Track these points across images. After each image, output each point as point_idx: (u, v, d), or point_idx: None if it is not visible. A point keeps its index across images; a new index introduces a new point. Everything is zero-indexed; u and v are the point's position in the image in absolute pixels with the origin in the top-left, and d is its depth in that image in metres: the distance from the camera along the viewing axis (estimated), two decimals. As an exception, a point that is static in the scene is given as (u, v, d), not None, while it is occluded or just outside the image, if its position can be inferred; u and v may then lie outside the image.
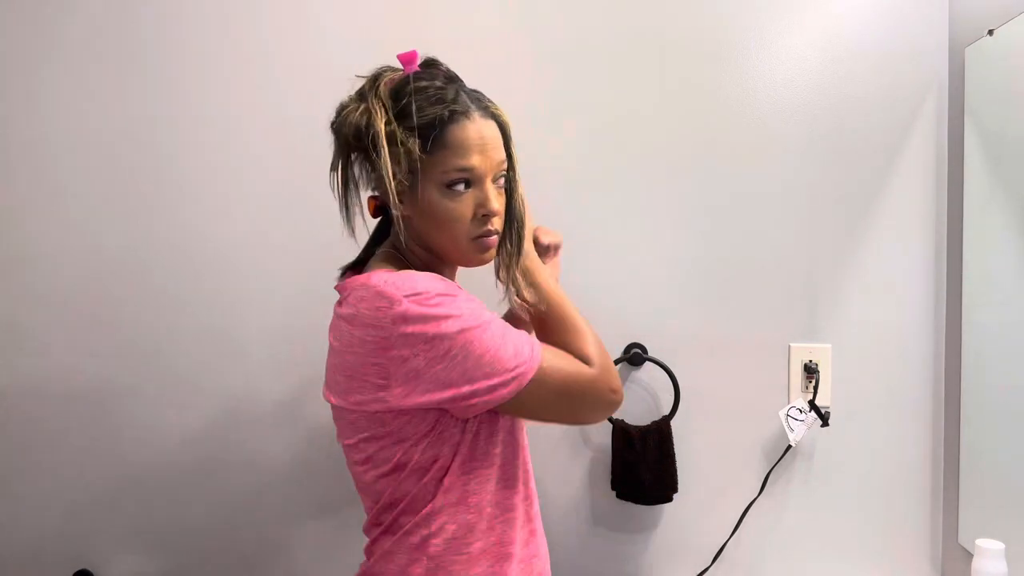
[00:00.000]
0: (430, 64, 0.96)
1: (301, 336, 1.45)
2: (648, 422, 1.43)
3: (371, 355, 0.87)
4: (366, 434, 0.93)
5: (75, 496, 1.46)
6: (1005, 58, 1.26)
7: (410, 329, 0.85)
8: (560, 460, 1.48)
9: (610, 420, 1.43)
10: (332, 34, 1.44)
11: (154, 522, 1.47)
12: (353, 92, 0.95)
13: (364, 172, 0.96)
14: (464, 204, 0.93)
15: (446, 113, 0.90)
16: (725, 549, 1.45)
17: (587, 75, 1.45)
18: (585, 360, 0.96)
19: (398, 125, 0.90)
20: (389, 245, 1.01)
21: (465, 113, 0.91)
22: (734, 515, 1.45)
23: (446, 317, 0.86)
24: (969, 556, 1.30)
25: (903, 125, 1.44)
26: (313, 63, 1.44)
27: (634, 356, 1.45)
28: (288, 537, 1.48)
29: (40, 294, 1.45)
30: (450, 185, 0.91)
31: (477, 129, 0.92)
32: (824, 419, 1.42)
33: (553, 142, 1.44)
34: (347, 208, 0.97)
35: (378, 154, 0.88)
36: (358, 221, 0.98)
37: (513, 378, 0.88)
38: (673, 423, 1.43)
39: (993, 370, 1.31)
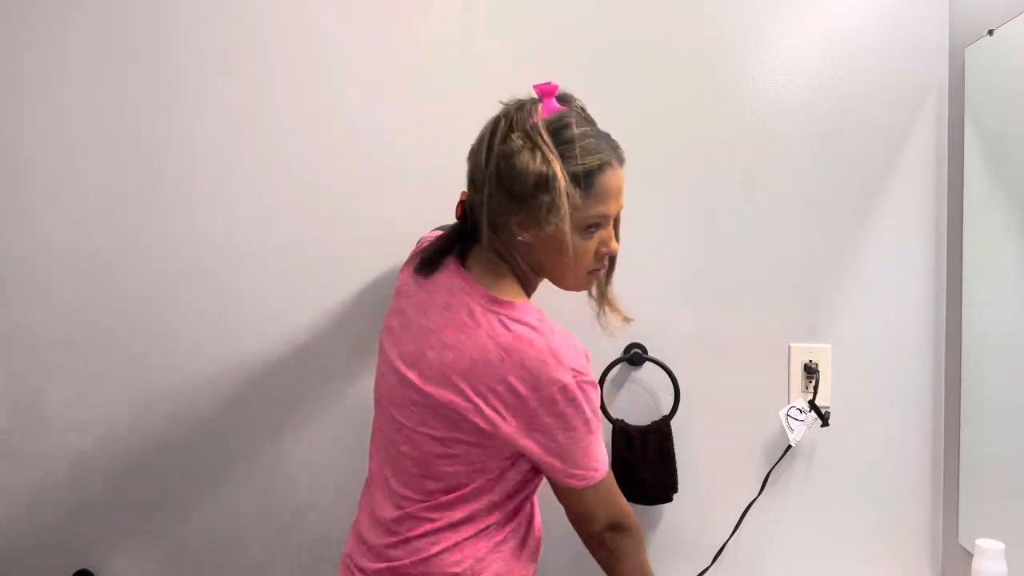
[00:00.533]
0: (567, 100, 1.03)
1: (303, 337, 1.45)
2: (648, 422, 1.43)
3: (507, 386, 0.94)
4: (460, 435, 0.98)
5: (75, 496, 1.46)
6: (1005, 58, 1.26)
7: (560, 402, 0.95)
8: (560, 460, 1.47)
9: (610, 420, 1.43)
10: (333, 35, 1.44)
11: (154, 522, 1.47)
12: (501, 123, 0.99)
13: (501, 199, 0.98)
14: (593, 243, 1.01)
15: (600, 163, 0.97)
16: (725, 549, 1.45)
17: (586, 76, 1.44)
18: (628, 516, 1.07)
19: (564, 171, 0.95)
20: (492, 252, 1.03)
21: (611, 164, 0.99)
22: (734, 515, 1.45)
23: (586, 411, 0.97)
24: (969, 556, 1.30)
25: (903, 125, 1.44)
26: (314, 63, 1.44)
27: (634, 356, 1.45)
28: (289, 538, 1.47)
29: (40, 294, 1.45)
30: (588, 227, 0.99)
31: (618, 179, 1.00)
32: (824, 419, 1.42)
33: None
34: (493, 226, 1.00)
35: (559, 200, 0.93)
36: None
37: (590, 474, 1.00)
38: (673, 423, 1.43)
39: (993, 370, 1.31)
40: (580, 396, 0.95)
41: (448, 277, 1.03)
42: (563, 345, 0.96)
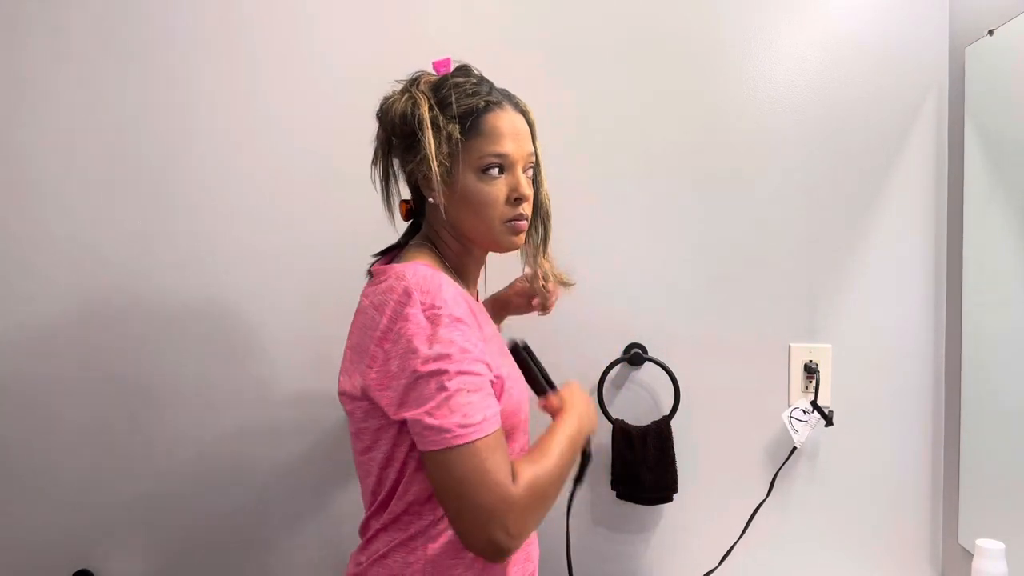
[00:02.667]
0: (464, 68, 1.03)
1: (304, 338, 1.45)
2: (648, 422, 1.43)
3: (375, 340, 0.89)
4: (364, 423, 0.94)
5: (75, 496, 1.46)
6: (1005, 58, 1.26)
7: (389, 307, 0.88)
8: (560, 460, 1.47)
9: (610, 420, 1.43)
10: (334, 35, 1.44)
11: (154, 522, 1.47)
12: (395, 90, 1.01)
13: (404, 162, 1.01)
14: (498, 188, 0.98)
15: (482, 103, 0.98)
16: (728, 549, 1.45)
17: (586, 75, 1.45)
18: (515, 476, 0.85)
19: (439, 113, 0.96)
20: (423, 237, 1.05)
21: (499, 104, 0.99)
22: (734, 515, 1.45)
23: (438, 353, 0.85)
24: (969, 556, 1.30)
25: (903, 125, 1.44)
26: (316, 64, 1.44)
27: (634, 356, 1.45)
28: (290, 538, 1.48)
29: (43, 295, 1.45)
30: (485, 169, 0.97)
31: (510, 119, 0.99)
32: (828, 419, 1.42)
33: (553, 142, 1.44)
34: (388, 197, 1.05)
35: (423, 134, 0.94)
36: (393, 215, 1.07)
37: (444, 433, 0.84)
38: (673, 423, 1.43)
39: (993, 370, 1.31)
40: (425, 326, 0.86)
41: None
42: (420, 280, 0.89)
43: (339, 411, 1.45)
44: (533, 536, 1.08)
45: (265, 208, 1.45)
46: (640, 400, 1.47)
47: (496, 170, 0.98)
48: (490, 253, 1.08)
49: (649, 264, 1.46)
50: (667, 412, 1.44)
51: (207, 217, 1.45)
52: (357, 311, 0.96)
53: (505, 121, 0.98)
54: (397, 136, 0.99)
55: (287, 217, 1.45)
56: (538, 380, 1.08)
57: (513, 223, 1.00)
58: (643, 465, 1.40)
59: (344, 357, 0.98)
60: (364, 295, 0.96)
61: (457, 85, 0.98)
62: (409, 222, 1.10)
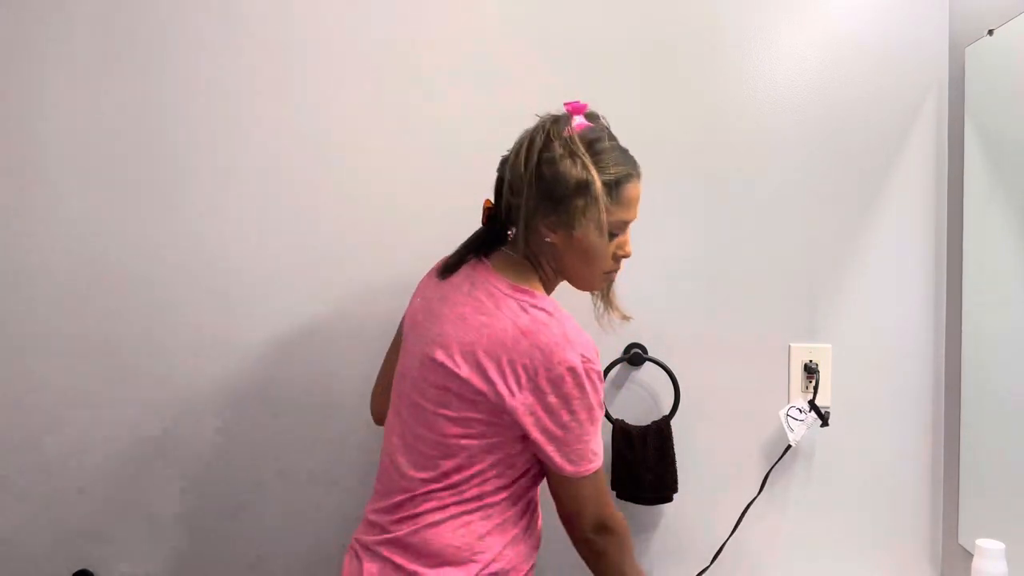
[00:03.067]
0: (594, 117, 1.10)
1: (305, 338, 1.45)
2: (648, 422, 1.43)
3: (522, 364, 0.99)
4: (476, 415, 1.03)
5: (75, 496, 1.46)
6: (1005, 58, 1.26)
7: (568, 383, 0.99)
8: (560, 460, 1.47)
9: (610, 420, 1.43)
10: (336, 35, 1.44)
11: (154, 522, 1.47)
12: (539, 134, 1.05)
13: (542, 209, 1.05)
14: (612, 247, 1.09)
15: (626, 174, 1.06)
16: (725, 549, 1.45)
17: (586, 75, 1.44)
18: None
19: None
20: (518, 253, 1.10)
21: (633, 175, 1.08)
22: (734, 515, 1.45)
23: (591, 398, 1.01)
24: (969, 556, 1.30)
25: (903, 125, 1.44)
26: (316, 64, 1.44)
27: (634, 356, 1.45)
28: (290, 538, 1.48)
29: (44, 294, 1.45)
30: (612, 232, 1.07)
31: (638, 190, 1.09)
32: (824, 419, 1.42)
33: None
34: (527, 232, 1.07)
35: (595, 207, 1.02)
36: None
37: (585, 464, 1.03)
38: (673, 423, 1.43)
39: (993, 370, 1.31)
40: (587, 382, 1.00)
41: (471, 270, 1.10)
42: (576, 333, 1.02)
43: (341, 412, 1.45)
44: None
45: (269, 208, 1.45)
46: (640, 400, 1.47)
47: (615, 233, 1.07)
48: None
49: (649, 264, 1.46)
50: (667, 412, 1.44)
51: (209, 217, 1.45)
52: (476, 308, 1.04)
53: (636, 191, 1.08)
54: (555, 193, 1.03)
55: (289, 217, 1.45)
56: None
57: (611, 274, 1.13)
58: (643, 465, 1.40)
59: (446, 322, 1.05)
60: (491, 296, 1.04)
61: (609, 151, 1.05)
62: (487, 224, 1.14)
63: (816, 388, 1.43)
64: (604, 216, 1.03)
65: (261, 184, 1.45)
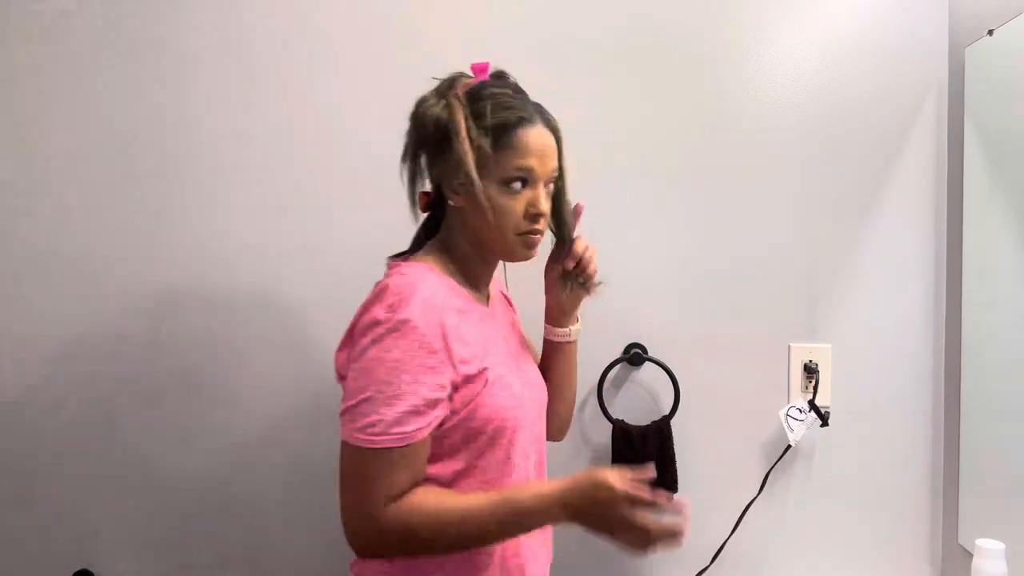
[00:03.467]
0: (500, 75, 1.07)
1: (303, 338, 1.45)
2: (648, 422, 1.43)
3: (353, 328, 0.96)
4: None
5: (75, 496, 1.46)
6: (1005, 58, 1.26)
7: (367, 336, 0.92)
8: (560, 460, 1.47)
9: (610, 420, 1.43)
10: (335, 35, 1.44)
11: (154, 522, 1.47)
12: (429, 90, 1.03)
13: (432, 163, 1.03)
14: (518, 201, 1.01)
15: (514, 118, 1.00)
16: (725, 549, 1.45)
17: (586, 75, 1.45)
18: (401, 504, 0.91)
19: (473, 123, 0.99)
20: (438, 240, 1.08)
21: (530, 120, 1.01)
22: (734, 515, 1.45)
23: (384, 353, 0.90)
24: (969, 556, 1.30)
25: (903, 125, 1.44)
26: (317, 64, 1.44)
27: (634, 356, 1.45)
28: (290, 538, 1.47)
29: (43, 294, 1.45)
30: (508, 182, 1.00)
31: (539, 135, 1.01)
32: (824, 419, 1.42)
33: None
34: (413, 194, 1.06)
35: (456, 143, 0.97)
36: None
37: (348, 426, 0.92)
38: (673, 423, 1.43)
39: (993, 370, 1.31)
40: (386, 334, 0.90)
41: None
42: (400, 283, 0.94)
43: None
44: (537, 540, 1.08)
45: (269, 208, 1.45)
46: (640, 400, 1.47)
47: (519, 184, 1.00)
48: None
49: (649, 264, 1.46)
50: (667, 412, 1.44)
51: (209, 217, 1.45)
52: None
53: (534, 137, 1.00)
54: (428, 138, 1.01)
55: (290, 218, 1.45)
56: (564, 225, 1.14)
57: (527, 236, 1.03)
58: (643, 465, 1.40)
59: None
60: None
61: (493, 96, 1.00)
62: (426, 215, 1.11)
63: (816, 388, 1.43)
64: (485, 164, 0.97)
65: (262, 184, 1.45)
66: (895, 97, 1.44)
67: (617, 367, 1.46)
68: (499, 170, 0.99)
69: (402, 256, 1.08)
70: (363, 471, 0.91)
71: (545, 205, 1.03)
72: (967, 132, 1.36)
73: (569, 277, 1.16)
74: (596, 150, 1.45)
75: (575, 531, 1.42)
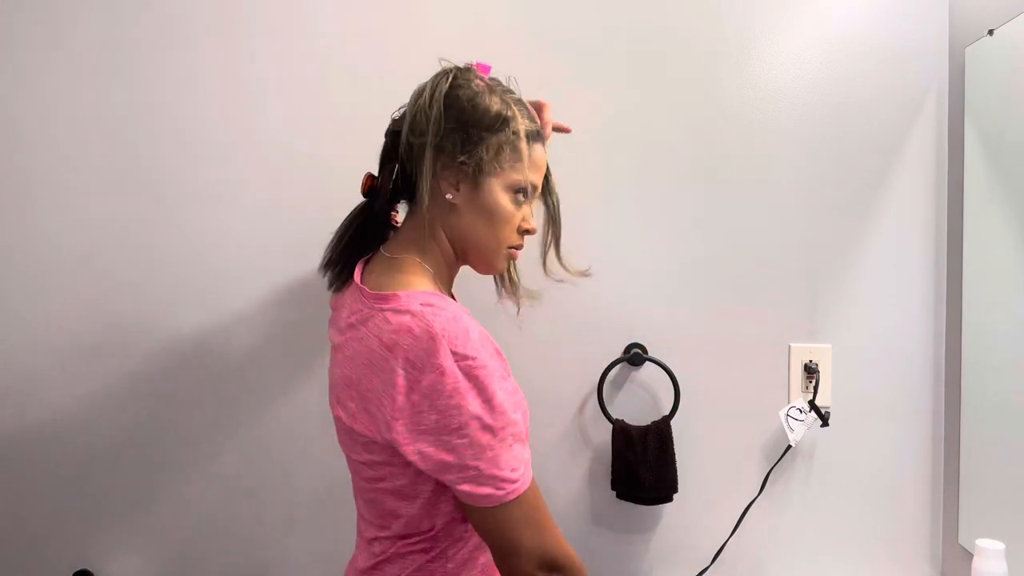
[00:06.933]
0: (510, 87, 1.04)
1: (307, 338, 1.45)
2: (648, 422, 1.43)
3: (394, 386, 0.84)
4: (378, 458, 0.92)
5: (75, 496, 1.46)
6: (1005, 58, 1.26)
7: (442, 391, 0.83)
8: (560, 460, 1.48)
9: (610, 420, 1.43)
10: (335, 34, 1.44)
11: (154, 522, 1.47)
12: (447, 75, 0.96)
13: (452, 152, 0.95)
14: (518, 213, 1.00)
15: (535, 130, 1.00)
16: (725, 549, 1.45)
17: (587, 75, 1.45)
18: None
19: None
20: (411, 247, 0.99)
21: (542, 139, 1.02)
22: (734, 515, 1.45)
23: (474, 403, 0.84)
24: (969, 556, 1.30)
25: (903, 125, 1.44)
26: (316, 63, 1.44)
27: (634, 356, 1.45)
28: (289, 538, 1.48)
29: (42, 293, 1.45)
30: (517, 191, 0.98)
31: (544, 157, 1.03)
32: (824, 419, 1.42)
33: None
34: (432, 184, 0.95)
35: (508, 136, 0.94)
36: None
37: (500, 487, 0.86)
38: (673, 423, 1.43)
39: (993, 370, 1.31)
40: (464, 384, 0.83)
41: (351, 291, 1.00)
42: (447, 325, 0.84)
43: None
44: None
45: (270, 208, 1.45)
46: (640, 400, 1.47)
47: (522, 195, 0.99)
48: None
49: (649, 264, 1.46)
50: (667, 412, 1.44)
51: (209, 217, 1.45)
52: (353, 337, 0.91)
53: (542, 156, 1.02)
54: (472, 126, 0.93)
55: (290, 218, 1.45)
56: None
57: (512, 251, 1.03)
58: (643, 465, 1.40)
59: (336, 384, 0.94)
60: (363, 321, 0.90)
61: (521, 103, 1.00)
62: (361, 218, 1.06)
63: (816, 388, 1.43)
64: (526, 160, 0.95)
65: (263, 183, 1.45)
66: (895, 97, 1.44)
67: (617, 367, 1.46)
68: (511, 176, 0.97)
69: (360, 269, 1.01)
70: (534, 521, 0.88)
71: (534, 223, 1.03)
72: (967, 132, 1.36)
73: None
74: (596, 150, 1.45)
75: (575, 531, 1.44)
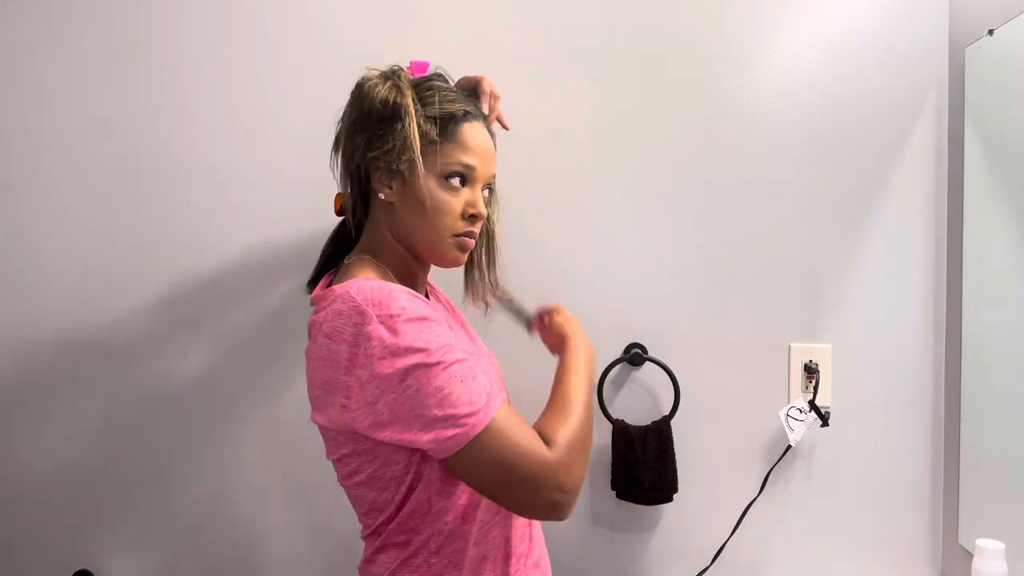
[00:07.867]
0: (441, 75, 1.03)
1: (302, 337, 1.45)
2: (648, 422, 1.43)
3: (341, 368, 0.86)
4: (346, 450, 0.93)
5: (75, 496, 1.46)
6: (1005, 58, 1.26)
7: (374, 346, 0.83)
8: (560, 460, 1.47)
9: (610, 420, 1.43)
10: (334, 33, 1.44)
11: (154, 522, 1.47)
12: (371, 73, 0.98)
13: (366, 150, 0.95)
14: (456, 200, 0.97)
15: (461, 111, 0.97)
16: (725, 549, 1.45)
17: (587, 74, 1.44)
18: (547, 441, 0.87)
19: (421, 108, 0.95)
20: (364, 249, 1.01)
21: (477, 117, 0.99)
22: (734, 515, 1.45)
23: (405, 343, 0.84)
24: (969, 556, 1.30)
25: (903, 125, 1.44)
26: (315, 62, 1.44)
27: (634, 356, 1.45)
28: (289, 538, 1.47)
29: (42, 293, 1.45)
30: (449, 177, 0.96)
31: (483, 135, 0.99)
32: (824, 419, 1.42)
33: (552, 141, 1.44)
34: (347, 182, 1.00)
35: (405, 123, 0.92)
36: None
37: (463, 423, 0.83)
38: (673, 423, 1.43)
39: (993, 370, 1.31)
40: (394, 340, 0.83)
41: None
42: (370, 295, 0.86)
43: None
44: (542, 543, 1.09)
45: (270, 209, 1.45)
46: (640, 400, 1.47)
47: (458, 180, 0.96)
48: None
49: (649, 264, 1.46)
50: (667, 412, 1.44)
51: (209, 217, 1.45)
52: (310, 342, 0.92)
53: (479, 135, 0.98)
54: (371, 119, 0.94)
55: (291, 218, 1.45)
56: (526, 318, 1.23)
57: (462, 239, 0.98)
58: (643, 465, 1.40)
59: (309, 388, 0.94)
60: (312, 324, 0.92)
61: (440, 88, 0.98)
62: (337, 231, 1.08)
63: (816, 388, 1.43)
64: (429, 154, 0.93)
65: (263, 184, 1.45)
66: (895, 97, 1.44)
67: (617, 367, 1.46)
68: (440, 163, 0.94)
69: (324, 276, 1.03)
70: (504, 445, 0.84)
71: (483, 207, 0.99)
72: (967, 132, 1.36)
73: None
74: (596, 150, 1.45)
75: (575, 532, 1.44)
